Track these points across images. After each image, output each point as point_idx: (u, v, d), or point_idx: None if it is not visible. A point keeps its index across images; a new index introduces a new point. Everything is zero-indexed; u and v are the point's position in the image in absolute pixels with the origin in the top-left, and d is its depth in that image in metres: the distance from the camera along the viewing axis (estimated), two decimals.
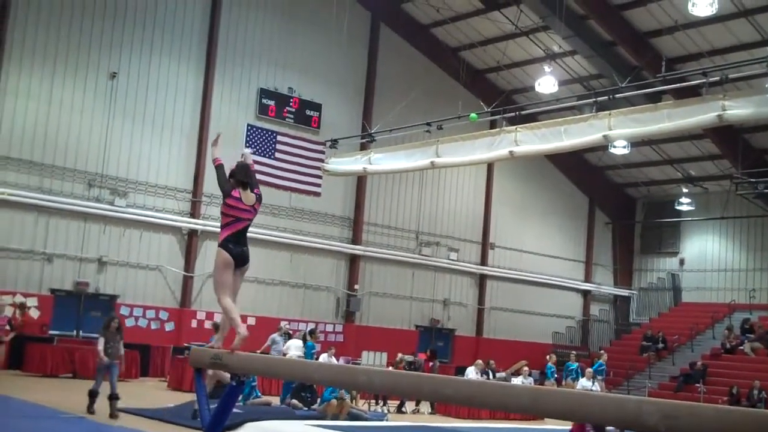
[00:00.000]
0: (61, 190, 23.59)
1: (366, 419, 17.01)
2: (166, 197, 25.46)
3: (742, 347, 29.77)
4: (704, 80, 18.14)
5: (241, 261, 7.48)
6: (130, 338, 23.41)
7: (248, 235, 25.37)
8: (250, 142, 26.83)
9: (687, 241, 36.29)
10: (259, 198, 7.66)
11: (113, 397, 14.01)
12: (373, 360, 20.29)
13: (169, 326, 25.11)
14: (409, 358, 23.63)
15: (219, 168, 7.71)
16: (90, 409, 14.07)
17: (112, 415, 13.81)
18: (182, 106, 25.88)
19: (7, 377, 17.70)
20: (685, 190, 33.83)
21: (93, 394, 14.19)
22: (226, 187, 7.51)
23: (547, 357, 26.24)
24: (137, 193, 24.91)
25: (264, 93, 27.31)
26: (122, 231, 24.64)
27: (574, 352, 28.14)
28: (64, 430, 11.19)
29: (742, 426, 4.04)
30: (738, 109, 17.00)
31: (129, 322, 24.38)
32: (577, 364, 24.92)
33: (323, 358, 18.92)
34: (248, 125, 26.95)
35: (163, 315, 25.15)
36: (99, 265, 24.23)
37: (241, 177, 7.58)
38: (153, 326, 24.87)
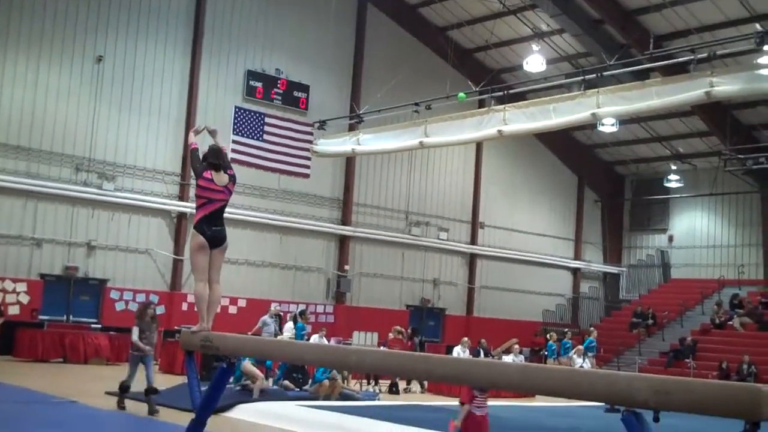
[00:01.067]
0: (48, 174, 23.50)
1: (358, 399, 17.06)
2: (154, 180, 25.39)
3: (731, 322, 29.97)
4: (692, 57, 18.11)
5: (215, 241, 7.52)
6: (121, 322, 23.51)
7: (238, 217, 25.46)
8: (238, 125, 26.76)
9: (676, 218, 36.41)
10: (232, 178, 7.65)
11: (151, 392, 12.75)
12: (364, 340, 20.31)
13: (159, 309, 24.99)
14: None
15: (193, 151, 7.84)
16: (120, 405, 12.96)
17: (152, 411, 12.52)
18: (169, 88, 25.76)
19: None
20: (673, 167, 33.89)
21: (124, 388, 12.95)
22: (199, 168, 7.55)
23: (548, 336, 26.39)
24: (125, 176, 24.82)
25: (251, 75, 27.19)
26: (111, 215, 24.57)
27: (567, 329, 28.29)
28: (55, 415, 11.18)
29: (731, 400, 4.06)
30: (726, 86, 17.00)
31: (119, 306, 24.43)
32: (571, 341, 25.13)
33: (314, 339, 18.94)
34: (236, 107, 26.86)
35: (154, 298, 25.07)
36: (88, 249, 24.17)
37: (213, 159, 7.58)
38: None
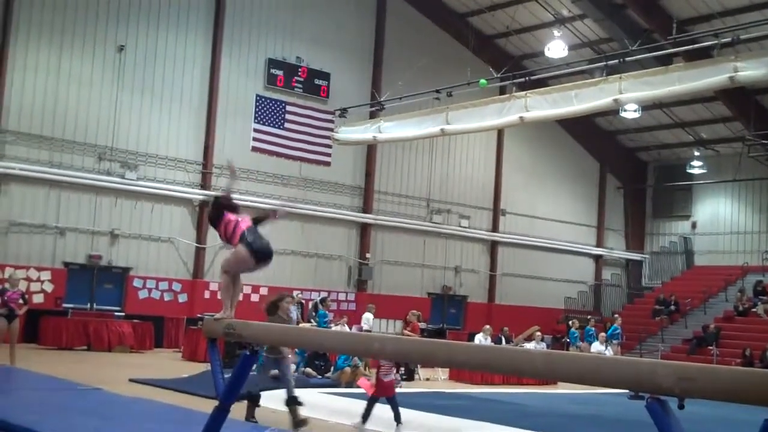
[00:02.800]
0: (71, 164, 23.63)
1: None
2: (176, 169, 25.48)
3: (754, 309, 29.76)
4: (715, 42, 17.94)
5: (263, 255, 7.29)
6: (144, 310, 23.74)
7: (259, 205, 25.47)
8: (259, 113, 26.81)
9: (699, 205, 36.17)
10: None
11: (293, 402, 10.81)
12: (386, 328, 20.33)
13: (182, 297, 25.23)
14: (421, 325, 23.68)
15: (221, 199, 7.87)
16: (250, 417, 10.84)
17: (298, 424, 10.60)
18: (190, 77, 25.83)
19: (23, 351, 17.82)
20: (696, 153, 33.64)
21: (254, 398, 10.61)
22: (213, 215, 7.65)
23: (570, 323, 26.35)
24: (147, 165, 24.92)
25: (272, 63, 27.21)
26: (134, 204, 24.70)
27: (590, 317, 28.24)
28: (80, 402, 11.27)
29: (757, 387, 4.04)
30: (750, 71, 16.83)
31: (142, 294, 24.58)
32: (594, 328, 25.09)
33: (337, 327, 18.99)
34: (257, 96, 26.90)
35: (176, 287, 25.25)
36: (111, 237, 24.31)
37: (227, 203, 7.68)
38: (166, 298, 25.01)
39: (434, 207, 31.08)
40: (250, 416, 10.76)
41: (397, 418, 10.93)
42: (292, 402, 10.82)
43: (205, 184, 25.72)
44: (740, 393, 4.10)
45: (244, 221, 7.40)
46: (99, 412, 10.22)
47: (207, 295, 25.39)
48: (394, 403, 11.00)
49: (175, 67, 25.50)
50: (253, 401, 10.66)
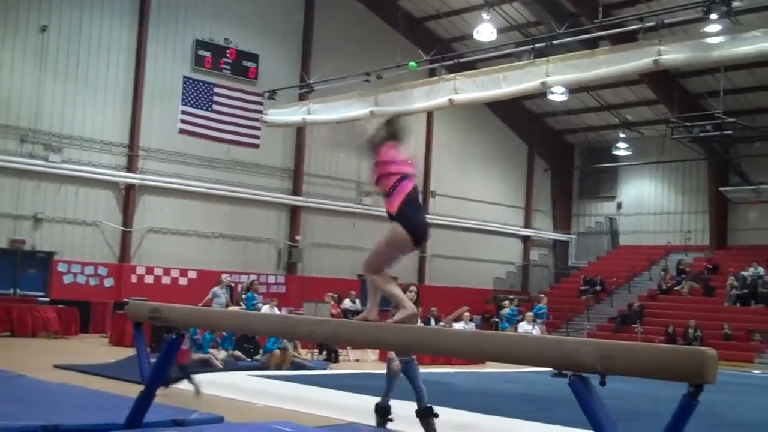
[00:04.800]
0: None
1: (309, 368, 17.08)
2: (101, 152, 25.02)
3: (677, 288, 30.49)
4: (640, 26, 18.24)
5: (422, 236, 5.78)
6: (69, 295, 23.29)
7: (187, 188, 25.04)
8: (187, 95, 26.46)
9: (624, 186, 36.83)
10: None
11: (427, 413, 9.19)
12: (314, 311, 20.30)
13: (108, 282, 24.85)
14: (352, 306, 23.71)
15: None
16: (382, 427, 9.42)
17: None
18: (116, 58, 25.34)
19: None
20: (622, 136, 34.21)
21: (384, 411, 9.30)
22: (375, 140, 5.98)
23: (506, 302, 26.56)
24: (72, 148, 24.43)
25: (200, 44, 26.86)
26: (58, 187, 24.20)
27: (514, 297, 28.51)
28: (2, 389, 11.03)
29: (674, 363, 4.13)
30: (673, 54, 17.16)
31: (67, 279, 24.17)
32: (516, 308, 25.32)
33: (265, 309, 18.89)
34: (184, 77, 26.54)
35: (102, 271, 24.86)
36: (35, 222, 23.80)
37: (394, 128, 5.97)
38: (92, 282, 24.61)
39: (364, 189, 31.06)
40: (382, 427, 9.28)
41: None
42: (427, 413, 9.14)
43: (130, 167, 25.32)
44: (659, 369, 4.19)
45: (411, 180, 5.80)
46: (22, 398, 10.02)
47: (134, 279, 25.09)
48: (185, 370, 11.83)
49: (100, 48, 24.98)
50: (384, 415, 9.29)
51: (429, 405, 9.15)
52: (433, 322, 22.71)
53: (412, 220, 5.64)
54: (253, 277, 25.22)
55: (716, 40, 16.87)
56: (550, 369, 5.18)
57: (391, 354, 9.22)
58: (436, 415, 9.09)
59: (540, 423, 8.57)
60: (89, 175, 24.57)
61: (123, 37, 25.45)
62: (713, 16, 17.04)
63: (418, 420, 9.08)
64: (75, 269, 24.40)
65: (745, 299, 28.37)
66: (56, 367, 14.47)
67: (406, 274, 32.31)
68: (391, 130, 5.92)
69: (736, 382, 18.56)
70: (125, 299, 21.54)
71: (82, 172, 24.42)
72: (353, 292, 22.94)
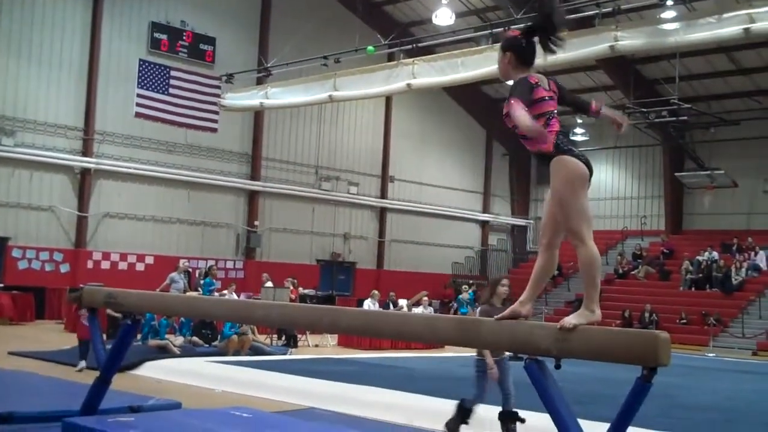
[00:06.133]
0: None
1: (268, 353, 17.05)
2: (56, 135, 24.66)
3: (634, 272, 30.84)
4: (597, 11, 18.34)
5: (590, 169, 4.91)
6: (24, 280, 23.01)
7: (144, 173, 24.85)
8: (143, 78, 26.16)
9: None
10: (553, 80, 5.13)
11: (510, 417, 8.36)
12: (273, 296, 20.25)
13: (64, 267, 24.56)
14: (310, 292, 23.69)
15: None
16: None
17: None
18: (70, 40, 24.95)
19: None
20: (579, 121, 34.42)
21: (466, 412, 8.39)
22: (504, 71, 5.07)
23: (464, 287, 26.68)
24: (26, 131, 24.04)
25: (155, 27, 26.53)
26: (11, 171, 23.82)
27: (472, 281, 28.71)
28: None
29: (627, 346, 4.17)
30: (629, 40, 17.35)
31: (22, 265, 23.84)
32: (474, 292, 25.48)
33: (225, 294, 18.83)
34: (140, 60, 26.21)
35: (58, 256, 24.57)
36: None
37: (527, 48, 4.93)
38: (47, 268, 24.29)
39: (323, 174, 31.00)
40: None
41: None
42: (512, 418, 8.33)
43: (86, 151, 24.99)
44: (613, 353, 4.23)
45: (557, 119, 4.91)
46: None
47: (90, 265, 24.82)
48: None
49: (53, 30, 24.59)
50: (464, 416, 8.38)
51: (515, 410, 8.33)
52: (391, 306, 22.82)
53: (575, 150, 4.79)
54: (211, 262, 25.10)
55: (672, 26, 17.04)
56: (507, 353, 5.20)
57: (489, 359, 8.35)
58: (522, 420, 8.23)
59: (497, 406, 8.56)
60: (43, 159, 24.20)
61: (77, 18, 25.07)
62: (669, 2, 17.23)
63: (499, 423, 8.37)
64: (30, 255, 24.08)
65: (699, 283, 28.77)
66: (11, 354, 14.33)
67: (366, 258, 32.45)
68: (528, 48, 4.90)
69: (691, 365, 18.84)
70: (81, 285, 21.33)
71: (36, 156, 24.03)
72: (376, 292, 22.34)
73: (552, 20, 4.79)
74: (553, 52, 4.86)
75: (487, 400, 8.49)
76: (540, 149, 4.76)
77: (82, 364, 12.73)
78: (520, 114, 4.47)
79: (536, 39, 4.86)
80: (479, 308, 8.99)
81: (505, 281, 8.82)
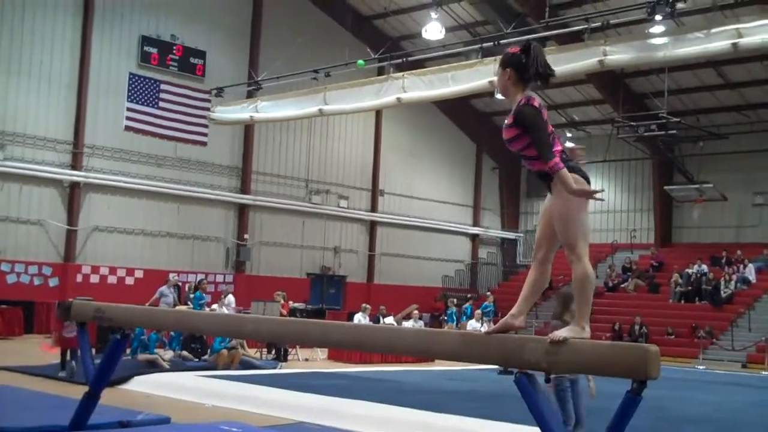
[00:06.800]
0: None
1: (258, 367, 16.99)
2: (45, 149, 24.59)
3: (623, 285, 30.89)
4: (586, 26, 18.44)
5: (589, 181, 4.93)
6: (13, 295, 22.88)
7: (133, 186, 24.80)
8: (133, 92, 26.14)
9: None
10: None
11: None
12: (263, 310, 20.22)
13: (53, 282, 24.46)
14: (300, 305, 23.65)
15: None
16: None
17: None
18: (60, 54, 24.92)
19: None
20: (568, 135, 34.49)
21: None
22: (503, 87, 5.26)
23: (448, 302, 26.75)
24: (15, 145, 23.97)
25: (146, 40, 26.53)
26: (0, 185, 23.76)
27: (470, 295, 28.75)
28: None
29: (616, 359, 4.18)
30: (618, 54, 17.42)
31: (10, 279, 23.72)
32: (465, 305, 25.58)
33: (216, 308, 18.78)
34: (130, 74, 26.19)
35: (47, 270, 24.46)
36: None
37: (527, 65, 5.04)
38: (36, 282, 24.18)
39: (313, 187, 31.00)
40: None
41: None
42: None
43: (75, 165, 24.93)
44: (603, 366, 4.24)
45: (557, 137, 5.00)
46: None
47: (79, 278, 24.73)
48: (75, 355, 13.28)
49: (43, 43, 24.58)
50: None
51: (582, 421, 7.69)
52: (381, 320, 22.81)
53: (575, 167, 4.79)
54: (201, 276, 25.03)
55: (660, 41, 17.12)
56: (496, 366, 5.20)
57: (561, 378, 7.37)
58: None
59: (486, 420, 8.59)
60: (33, 172, 24.12)
61: (67, 32, 25.05)
62: (658, 17, 17.26)
63: None
64: (18, 269, 23.96)
65: (689, 296, 28.84)
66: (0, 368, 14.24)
67: (356, 272, 32.43)
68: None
69: (681, 378, 18.86)
70: (70, 299, 21.24)
71: (26, 170, 23.95)
72: (367, 306, 22.26)
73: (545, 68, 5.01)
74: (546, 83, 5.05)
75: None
76: (544, 169, 4.80)
77: (62, 374, 13.43)
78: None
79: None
80: (552, 323, 8.08)
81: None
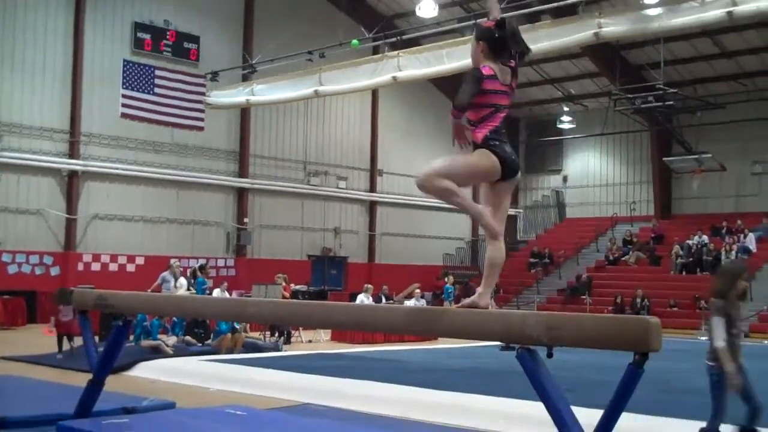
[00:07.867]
0: None
1: (262, 348, 17.04)
2: (42, 138, 24.56)
3: (624, 258, 30.92)
4: None
5: (512, 171, 5.11)
6: (15, 285, 22.91)
7: (131, 173, 24.77)
8: (127, 78, 26.07)
9: (569, 159, 37.14)
10: (515, 73, 5.15)
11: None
12: (265, 293, 20.25)
13: (54, 271, 24.49)
14: (302, 287, 23.67)
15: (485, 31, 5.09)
16: None
17: None
18: (53, 43, 24.84)
19: None
20: (566, 109, 34.49)
21: None
22: (476, 60, 5.08)
23: (445, 279, 26.74)
24: (11, 135, 23.94)
25: (139, 27, 26.44)
26: None
27: (450, 275, 28.74)
28: None
29: (618, 332, 4.17)
30: (613, 27, 17.36)
31: (12, 269, 23.77)
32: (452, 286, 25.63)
33: (216, 293, 18.80)
34: (124, 61, 26.12)
35: (48, 260, 24.50)
36: None
37: (500, 39, 4.99)
38: (37, 272, 24.23)
39: (311, 169, 30.98)
40: None
41: None
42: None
43: (72, 153, 24.90)
44: (604, 339, 4.23)
45: (503, 112, 5.08)
46: None
47: (81, 267, 24.77)
48: (72, 338, 14.24)
49: (36, 32, 24.47)
50: None
51: (755, 428, 7.02)
52: (383, 299, 22.84)
53: (501, 148, 4.97)
54: (202, 261, 25.04)
55: (655, 11, 17.05)
56: (498, 343, 5.20)
57: (729, 366, 6.99)
58: None
59: (489, 396, 8.60)
60: (30, 162, 24.12)
61: (60, 20, 24.95)
62: None
63: None
64: (20, 259, 24.00)
65: (690, 267, 28.84)
66: (2, 358, 14.29)
67: (357, 253, 32.44)
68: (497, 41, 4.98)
69: (683, 349, 18.88)
70: (72, 287, 21.26)
71: (23, 160, 23.95)
72: (370, 286, 22.38)
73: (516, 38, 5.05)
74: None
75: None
76: (473, 139, 5.10)
77: (59, 356, 14.15)
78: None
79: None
80: (713, 303, 7.28)
81: (745, 274, 7.33)
